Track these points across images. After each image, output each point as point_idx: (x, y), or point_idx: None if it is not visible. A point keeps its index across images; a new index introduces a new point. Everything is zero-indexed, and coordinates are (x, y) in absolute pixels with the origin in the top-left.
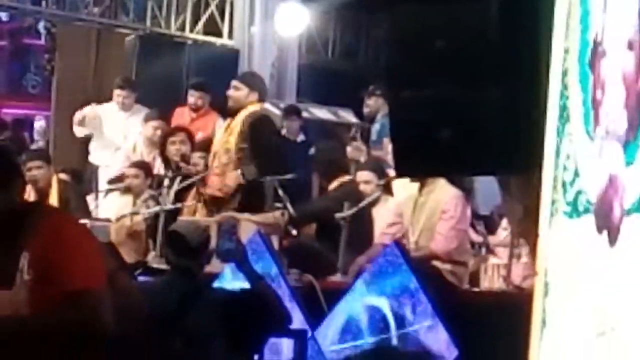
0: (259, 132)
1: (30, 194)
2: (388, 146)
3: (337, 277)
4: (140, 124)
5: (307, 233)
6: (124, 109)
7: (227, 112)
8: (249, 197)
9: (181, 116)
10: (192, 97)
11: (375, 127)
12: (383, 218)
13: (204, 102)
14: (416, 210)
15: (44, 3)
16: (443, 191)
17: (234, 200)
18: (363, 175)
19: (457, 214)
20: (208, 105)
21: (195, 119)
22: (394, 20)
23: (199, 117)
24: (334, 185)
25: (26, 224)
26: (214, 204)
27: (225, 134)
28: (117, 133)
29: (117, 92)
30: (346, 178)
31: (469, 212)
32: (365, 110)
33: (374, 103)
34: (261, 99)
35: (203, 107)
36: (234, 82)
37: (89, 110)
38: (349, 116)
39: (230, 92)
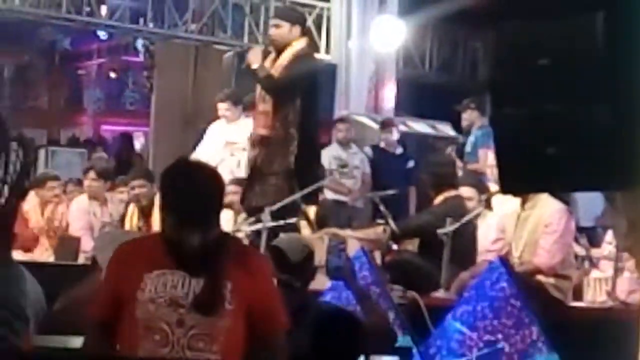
0: (304, 69)
1: (133, 213)
2: (484, 157)
3: (439, 293)
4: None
5: (408, 248)
6: (228, 122)
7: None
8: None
9: None
10: None
11: (470, 140)
12: (484, 233)
13: None
14: (519, 225)
15: (142, 21)
16: (546, 205)
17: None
18: (464, 192)
19: (560, 228)
20: None
21: None
22: (497, 35)
23: None
24: (439, 199)
25: (225, 254)
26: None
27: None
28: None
29: (219, 105)
30: (452, 193)
31: (572, 225)
32: (464, 123)
33: (469, 116)
34: (304, 33)
35: None
36: (274, 21)
37: (200, 152)
38: (447, 129)
39: (272, 32)
